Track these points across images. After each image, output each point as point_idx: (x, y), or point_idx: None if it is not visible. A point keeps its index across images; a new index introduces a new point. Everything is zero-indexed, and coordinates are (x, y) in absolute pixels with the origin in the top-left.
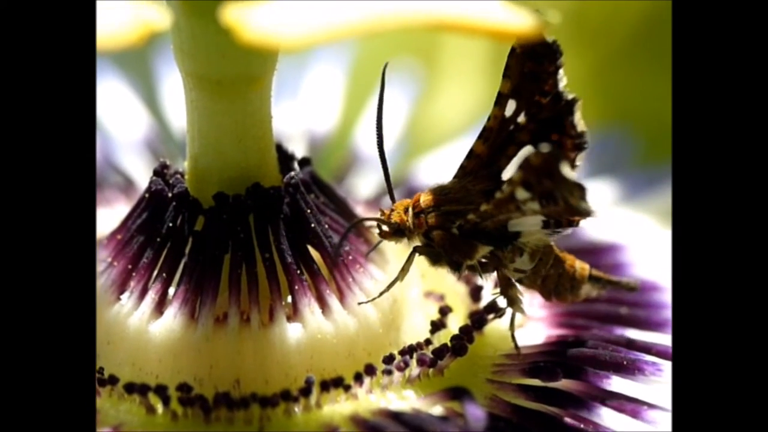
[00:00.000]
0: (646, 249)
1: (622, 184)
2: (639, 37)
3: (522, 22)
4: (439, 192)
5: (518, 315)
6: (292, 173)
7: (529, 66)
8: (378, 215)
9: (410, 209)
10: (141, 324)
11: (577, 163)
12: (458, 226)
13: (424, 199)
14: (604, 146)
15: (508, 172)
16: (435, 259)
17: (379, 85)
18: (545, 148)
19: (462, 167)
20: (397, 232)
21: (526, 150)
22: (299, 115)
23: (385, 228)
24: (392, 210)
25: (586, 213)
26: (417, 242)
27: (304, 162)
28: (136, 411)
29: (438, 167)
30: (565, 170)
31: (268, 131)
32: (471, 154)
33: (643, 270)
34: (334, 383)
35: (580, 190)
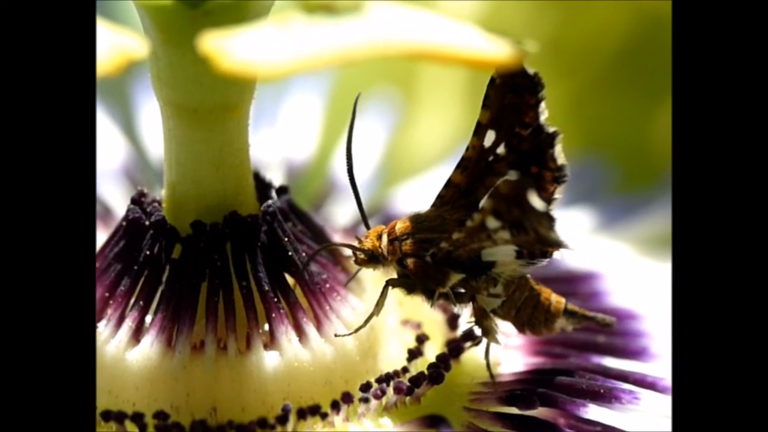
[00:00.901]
0: (624, 277)
1: (599, 212)
2: (616, 65)
3: (499, 52)
4: (414, 220)
5: (493, 345)
6: (270, 201)
7: (510, 98)
8: (354, 243)
9: (384, 236)
10: (118, 352)
11: (556, 196)
12: (431, 254)
13: (400, 226)
14: (581, 174)
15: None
16: (409, 289)
17: (350, 115)
18: (513, 176)
19: (440, 196)
20: (372, 258)
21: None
22: (277, 143)
23: (359, 255)
24: (366, 237)
25: (556, 244)
26: (392, 269)
27: (282, 190)
28: None
29: (415, 195)
30: (534, 200)
31: (246, 159)
32: (449, 184)
33: (620, 298)
34: (311, 411)
35: (549, 220)
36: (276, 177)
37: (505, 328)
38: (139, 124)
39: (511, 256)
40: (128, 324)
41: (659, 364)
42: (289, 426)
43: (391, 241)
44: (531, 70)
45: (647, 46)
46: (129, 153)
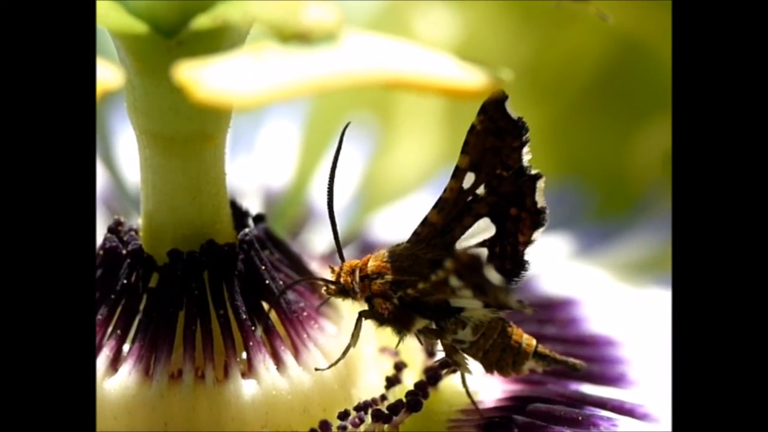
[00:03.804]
0: (601, 303)
1: (576, 238)
2: (593, 91)
3: (475, 80)
4: (387, 259)
5: (468, 375)
6: (247, 230)
7: (491, 141)
8: (328, 272)
9: (357, 271)
10: (96, 381)
11: (534, 238)
12: (399, 297)
13: (372, 264)
14: (558, 200)
15: (464, 242)
16: (380, 322)
17: (336, 143)
18: (471, 250)
19: (416, 233)
20: (342, 291)
21: (483, 222)
22: (254, 171)
23: (330, 287)
24: (340, 269)
25: (514, 308)
26: (362, 303)
27: (259, 218)
28: None
29: (393, 222)
30: (490, 273)
31: (223, 188)
32: (425, 222)
33: (597, 325)
34: None
35: (505, 292)
36: (253, 204)
37: (474, 365)
38: (115, 153)
39: (479, 305)
40: (106, 353)
41: (637, 391)
42: None
43: (361, 278)
44: (514, 115)
45: (623, 72)
46: (106, 181)
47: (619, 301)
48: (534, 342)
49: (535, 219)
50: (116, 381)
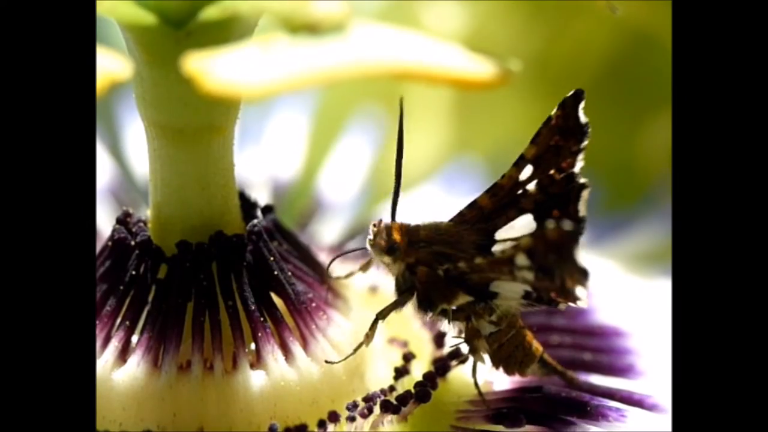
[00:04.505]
0: (610, 294)
1: (586, 230)
2: (602, 83)
3: (484, 71)
4: (435, 230)
5: (480, 364)
6: (255, 221)
7: (556, 140)
8: (370, 227)
9: (406, 235)
10: (104, 372)
11: None
12: (445, 270)
13: (422, 232)
14: None
15: (502, 233)
16: (411, 293)
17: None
18: (567, 225)
19: (461, 213)
20: (390, 250)
21: (524, 219)
22: (263, 162)
23: (380, 240)
24: (392, 227)
25: (575, 299)
26: (395, 267)
27: (267, 209)
28: None
29: (402, 213)
30: (576, 253)
31: (231, 179)
32: (474, 205)
33: (606, 315)
34: (298, 430)
35: (583, 275)
36: (261, 196)
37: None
38: (124, 145)
39: (519, 294)
40: (114, 344)
41: (646, 382)
42: None
43: (410, 243)
44: (584, 119)
45: (632, 64)
46: (114, 173)
47: (627, 292)
48: (541, 348)
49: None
50: (125, 372)
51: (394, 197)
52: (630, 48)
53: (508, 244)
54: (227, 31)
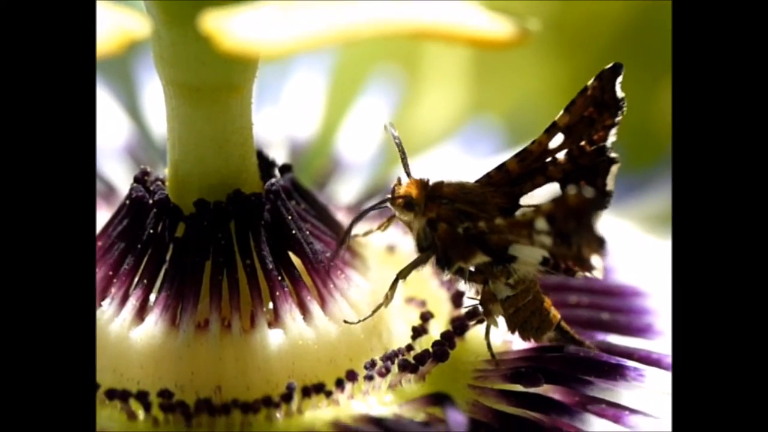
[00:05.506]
0: (628, 254)
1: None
2: (619, 44)
3: (502, 30)
4: (459, 188)
5: (493, 328)
6: (273, 180)
7: (590, 111)
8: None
9: (427, 189)
10: (122, 330)
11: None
12: (465, 228)
13: (446, 189)
14: None
15: (527, 199)
16: (432, 250)
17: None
18: (588, 192)
19: (488, 175)
20: (408, 206)
21: (550, 187)
22: (280, 122)
23: (399, 199)
24: (410, 183)
25: (591, 268)
26: (416, 223)
27: (285, 168)
28: (117, 417)
29: (420, 172)
30: (596, 221)
31: (249, 138)
32: (502, 168)
33: (624, 275)
34: (316, 389)
35: (600, 245)
36: (279, 155)
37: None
38: (142, 104)
39: (537, 259)
40: (132, 302)
41: (664, 341)
42: (294, 404)
43: (431, 198)
44: (621, 93)
45: (647, 26)
46: (132, 132)
47: (645, 252)
48: (559, 315)
49: (601, 200)
50: (143, 330)
51: (403, 156)
52: (646, 10)
53: (530, 209)
54: None
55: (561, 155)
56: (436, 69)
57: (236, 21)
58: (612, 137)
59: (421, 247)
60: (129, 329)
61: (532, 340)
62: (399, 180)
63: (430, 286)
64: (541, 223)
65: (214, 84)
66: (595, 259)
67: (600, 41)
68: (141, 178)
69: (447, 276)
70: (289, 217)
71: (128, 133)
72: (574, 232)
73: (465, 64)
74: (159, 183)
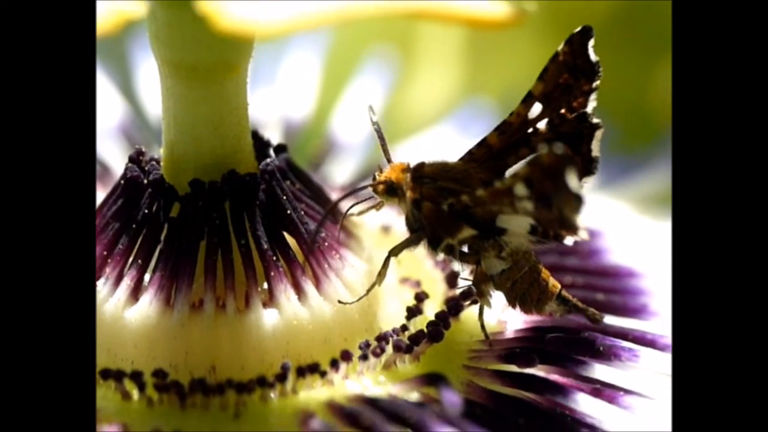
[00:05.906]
0: (623, 235)
1: (598, 171)
2: (614, 25)
3: (498, 10)
4: (441, 167)
5: (486, 308)
6: (268, 160)
7: (566, 78)
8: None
9: (409, 171)
10: (116, 310)
11: (583, 185)
12: (449, 204)
13: (427, 169)
14: None
15: (512, 171)
16: (420, 231)
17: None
18: (558, 149)
19: (470, 152)
20: (390, 191)
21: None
22: (275, 102)
23: (380, 185)
24: (390, 168)
25: (574, 228)
26: (403, 206)
27: (280, 149)
28: (112, 397)
29: (414, 154)
30: (570, 177)
31: (244, 118)
32: (483, 143)
33: (619, 256)
34: (310, 369)
35: (577, 202)
36: (274, 136)
37: (498, 299)
38: (137, 83)
39: (525, 229)
40: (127, 282)
41: (658, 322)
42: (288, 384)
43: (414, 179)
44: (594, 57)
45: (643, 6)
46: (127, 112)
47: (640, 233)
48: (559, 285)
49: (587, 166)
50: (137, 310)
51: (382, 142)
52: None
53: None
54: None
55: (542, 125)
56: (431, 50)
57: (232, 0)
58: (592, 102)
59: (412, 229)
60: (123, 309)
61: (534, 313)
62: (380, 167)
63: (424, 266)
64: (520, 189)
65: (209, 64)
66: (575, 219)
67: (595, 22)
68: (136, 158)
69: (439, 256)
70: (284, 198)
71: (123, 113)
72: (552, 192)
73: (460, 45)
74: (154, 163)
